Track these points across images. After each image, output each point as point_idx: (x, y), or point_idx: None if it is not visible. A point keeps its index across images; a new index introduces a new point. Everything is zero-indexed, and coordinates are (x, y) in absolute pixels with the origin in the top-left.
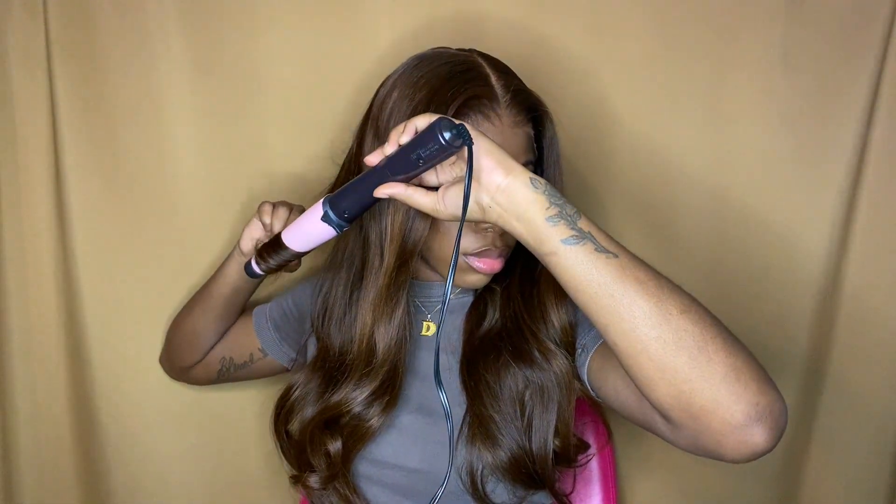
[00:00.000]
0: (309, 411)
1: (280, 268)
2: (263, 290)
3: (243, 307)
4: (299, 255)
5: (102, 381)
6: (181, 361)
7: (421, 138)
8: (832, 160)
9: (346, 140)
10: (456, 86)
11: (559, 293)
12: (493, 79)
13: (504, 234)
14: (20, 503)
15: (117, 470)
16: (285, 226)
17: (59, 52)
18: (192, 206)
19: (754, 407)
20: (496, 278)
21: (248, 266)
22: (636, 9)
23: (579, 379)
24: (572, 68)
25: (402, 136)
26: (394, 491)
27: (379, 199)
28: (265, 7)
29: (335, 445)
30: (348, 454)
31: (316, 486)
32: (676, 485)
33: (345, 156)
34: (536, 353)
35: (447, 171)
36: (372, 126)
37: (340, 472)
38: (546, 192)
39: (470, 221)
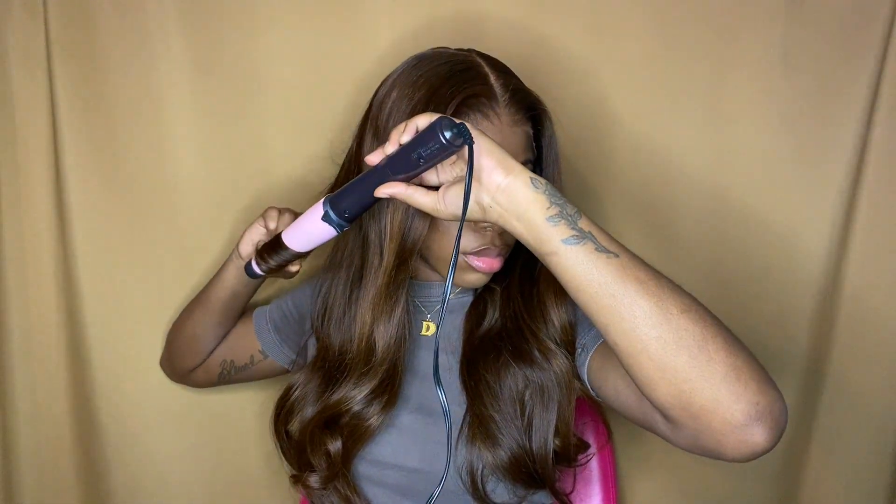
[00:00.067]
0: (309, 411)
1: (280, 268)
2: (262, 293)
3: (243, 310)
4: (299, 256)
5: (102, 381)
6: (182, 365)
7: (422, 137)
8: (832, 160)
9: (346, 140)
10: (455, 85)
11: (559, 293)
12: (492, 78)
13: (503, 233)
14: (20, 503)
15: (117, 470)
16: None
17: (59, 52)
18: (192, 206)
19: (754, 406)
20: (496, 278)
21: (248, 266)
22: (636, 9)
23: (579, 378)
24: (572, 68)
25: (402, 135)
26: (394, 491)
27: (379, 199)
28: (265, 7)
29: (335, 445)
30: (348, 454)
31: (316, 485)
32: (676, 485)
33: (345, 156)
34: (536, 353)
35: (447, 171)
36: (371, 126)
37: (340, 472)
38: (546, 192)
39: (470, 221)
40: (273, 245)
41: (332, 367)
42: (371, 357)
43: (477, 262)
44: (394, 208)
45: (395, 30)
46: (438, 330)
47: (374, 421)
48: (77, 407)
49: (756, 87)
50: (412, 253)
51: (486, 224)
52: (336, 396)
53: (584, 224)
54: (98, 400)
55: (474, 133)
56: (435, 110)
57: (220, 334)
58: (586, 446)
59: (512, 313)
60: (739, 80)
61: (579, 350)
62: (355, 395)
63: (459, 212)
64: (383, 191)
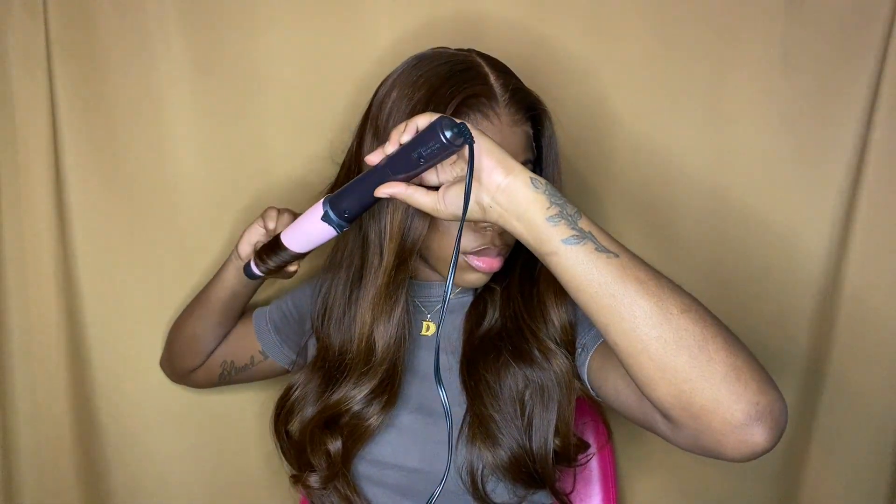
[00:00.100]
0: (309, 411)
1: (279, 268)
2: (262, 293)
3: (242, 311)
4: (298, 256)
5: (102, 381)
6: (182, 365)
7: (422, 137)
8: (832, 160)
9: (346, 140)
10: (455, 85)
11: (559, 292)
12: (492, 78)
13: (503, 233)
14: (20, 503)
15: (117, 470)
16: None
17: (59, 52)
18: (192, 206)
19: (754, 406)
20: (496, 278)
21: (247, 267)
22: (636, 9)
23: (579, 378)
24: (572, 68)
25: (402, 135)
26: (394, 491)
27: (379, 199)
28: (265, 7)
29: (335, 445)
30: (348, 453)
31: (316, 485)
32: (676, 485)
33: (345, 155)
34: (536, 353)
35: (448, 171)
36: (371, 126)
37: (340, 472)
38: (546, 192)
39: (470, 221)
40: (272, 246)
41: (332, 367)
42: (371, 357)
43: (477, 261)
44: (394, 208)
45: (395, 30)
46: (439, 330)
47: (373, 421)
48: (77, 407)
49: (756, 87)
50: (412, 253)
51: (486, 224)
52: (336, 396)
53: (584, 224)
54: (98, 400)
55: (474, 133)
56: (435, 110)
57: (220, 334)
58: (586, 446)
59: (512, 313)
60: (739, 80)
61: (579, 350)
62: (355, 394)
63: (459, 212)
64: (383, 191)
